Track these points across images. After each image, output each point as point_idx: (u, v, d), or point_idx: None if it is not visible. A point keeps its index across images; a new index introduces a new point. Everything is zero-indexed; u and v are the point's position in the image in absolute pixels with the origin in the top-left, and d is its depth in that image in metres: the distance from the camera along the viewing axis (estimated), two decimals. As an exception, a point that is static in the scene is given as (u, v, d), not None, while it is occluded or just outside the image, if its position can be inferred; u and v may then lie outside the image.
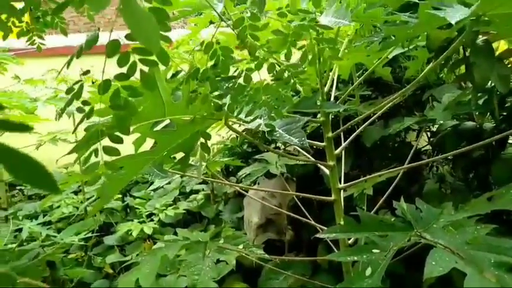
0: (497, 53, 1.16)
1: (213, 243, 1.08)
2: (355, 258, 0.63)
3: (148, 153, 0.71)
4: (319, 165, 1.32)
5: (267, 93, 0.65)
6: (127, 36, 0.38)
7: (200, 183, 3.17)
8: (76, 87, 0.49)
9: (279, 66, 0.71)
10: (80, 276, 2.19)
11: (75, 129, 0.62)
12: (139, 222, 2.56)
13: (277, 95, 0.65)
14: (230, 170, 2.76)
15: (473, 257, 0.54)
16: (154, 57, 0.41)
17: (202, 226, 2.85)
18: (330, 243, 1.46)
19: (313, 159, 1.37)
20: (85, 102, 0.49)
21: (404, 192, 1.49)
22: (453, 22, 0.52)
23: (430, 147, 2.17)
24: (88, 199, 2.95)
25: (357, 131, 1.31)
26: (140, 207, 2.73)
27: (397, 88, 2.05)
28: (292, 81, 0.67)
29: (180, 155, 0.85)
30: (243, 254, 2.18)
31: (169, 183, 3.18)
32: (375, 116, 1.36)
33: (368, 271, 0.60)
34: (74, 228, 2.45)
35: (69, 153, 0.62)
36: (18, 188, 3.65)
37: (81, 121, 0.52)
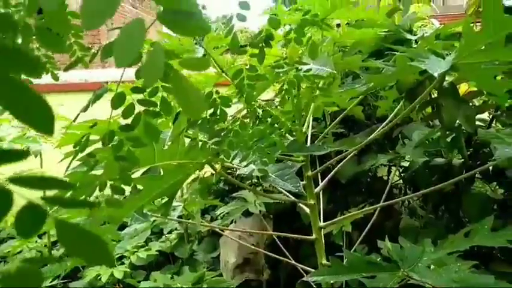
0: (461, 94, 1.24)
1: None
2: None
3: (133, 199, 0.69)
4: (300, 205, 1.33)
5: (260, 139, 0.66)
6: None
7: (176, 223, 3.08)
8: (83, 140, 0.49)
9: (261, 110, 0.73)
10: (43, 328, 2.03)
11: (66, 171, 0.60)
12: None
13: (270, 141, 0.67)
14: (205, 207, 2.71)
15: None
16: (157, 108, 0.41)
17: (176, 268, 2.74)
18: (311, 282, 1.44)
19: (293, 197, 1.38)
20: (90, 155, 0.48)
21: (380, 227, 1.51)
22: (435, 74, 0.57)
23: (402, 182, 2.24)
24: (54, 243, 2.79)
25: (336, 168, 1.34)
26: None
27: (367, 125, 2.14)
28: (285, 126, 0.69)
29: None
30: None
31: (141, 223, 3.07)
32: (353, 153, 1.40)
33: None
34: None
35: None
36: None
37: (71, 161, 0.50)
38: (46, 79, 0.68)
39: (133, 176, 0.74)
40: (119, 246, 2.72)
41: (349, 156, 1.38)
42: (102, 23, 0.25)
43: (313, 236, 1.22)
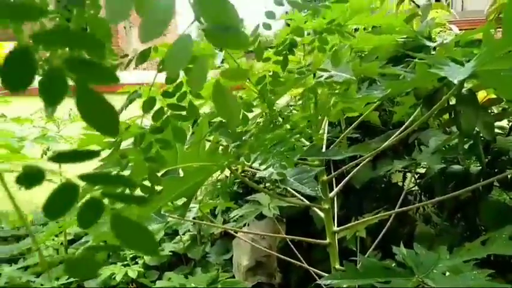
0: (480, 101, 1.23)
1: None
2: (361, 306, 0.64)
3: (154, 199, 0.71)
4: (314, 208, 1.33)
5: (279, 143, 0.67)
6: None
7: (190, 224, 3.11)
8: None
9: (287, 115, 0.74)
10: (59, 324, 2.07)
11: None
12: (123, 265, 2.47)
13: (289, 145, 0.68)
14: (215, 210, 2.73)
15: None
16: (184, 112, 0.43)
17: (189, 269, 2.76)
18: (324, 286, 1.44)
19: (307, 201, 1.38)
20: (122, 155, 0.50)
21: (395, 233, 1.50)
22: (455, 82, 0.57)
23: (417, 188, 2.22)
24: (70, 241, 2.84)
25: (351, 174, 1.34)
26: (124, 250, 2.64)
27: (383, 131, 2.13)
28: (304, 131, 0.70)
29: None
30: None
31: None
32: (368, 158, 1.40)
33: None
34: (54, 273, 2.34)
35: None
36: (-5, 228, 3.50)
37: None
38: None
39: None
40: (133, 246, 2.76)
41: (364, 162, 1.38)
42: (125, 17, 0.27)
43: (327, 241, 1.22)
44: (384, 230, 1.39)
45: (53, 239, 2.90)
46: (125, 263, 2.52)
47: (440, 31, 1.51)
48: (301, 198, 1.46)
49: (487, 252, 0.82)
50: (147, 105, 0.41)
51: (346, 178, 1.31)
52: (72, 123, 2.62)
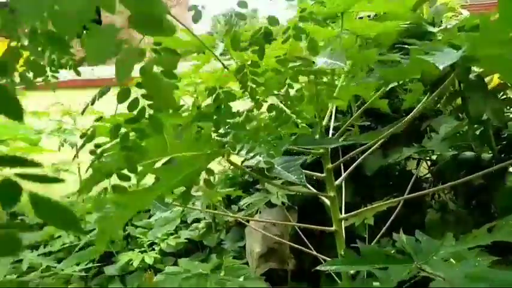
0: (491, 86, 1.20)
1: (214, 276, 1.08)
2: (358, 291, 0.65)
3: (150, 188, 0.73)
4: (321, 197, 1.34)
5: (266, 132, 0.68)
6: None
7: (202, 212, 3.17)
8: (89, 132, 0.53)
9: (277, 105, 0.75)
10: (80, 308, 2.16)
11: (75, 156, 0.65)
12: (140, 251, 2.55)
13: (276, 134, 0.69)
14: (231, 198, 2.76)
15: (472, 291, 0.55)
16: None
17: (204, 255, 2.82)
18: (332, 273, 1.45)
19: (314, 190, 1.39)
20: (97, 145, 0.52)
21: (406, 221, 1.50)
22: (441, 67, 0.56)
23: (431, 176, 2.19)
24: (90, 230, 2.94)
25: (357, 161, 1.33)
26: (141, 237, 2.72)
27: (395, 118, 2.10)
28: (291, 120, 0.71)
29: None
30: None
31: (170, 212, 3.18)
32: (375, 146, 1.39)
33: (370, 305, 0.61)
34: (74, 259, 2.43)
35: (78, 192, 0.65)
36: (20, 218, 3.64)
37: (81, 148, 0.55)
38: (83, 76, 0.74)
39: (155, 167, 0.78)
40: (150, 234, 2.84)
41: (372, 149, 1.38)
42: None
43: (333, 228, 1.23)
44: (393, 217, 1.39)
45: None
46: (142, 249, 2.59)
47: (453, 16, 1.47)
48: (309, 186, 1.47)
49: (492, 239, 0.81)
50: (122, 96, 0.43)
51: (353, 166, 1.31)
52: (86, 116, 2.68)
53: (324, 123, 1.29)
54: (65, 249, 2.83)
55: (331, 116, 1.38)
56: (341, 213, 1.30)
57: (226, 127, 0.65)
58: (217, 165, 2.90)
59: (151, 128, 0.45)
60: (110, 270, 2.52)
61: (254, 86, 0.64)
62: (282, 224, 2.08)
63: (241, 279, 1.15)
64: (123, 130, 0.52)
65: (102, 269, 2.59)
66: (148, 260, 2.37)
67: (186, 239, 2.79)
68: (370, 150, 1.36)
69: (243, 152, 0.72)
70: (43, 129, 2.19)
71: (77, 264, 2.28)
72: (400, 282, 0.65)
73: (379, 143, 1.39)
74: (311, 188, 1.46)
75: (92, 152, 0.52)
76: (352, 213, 1.24)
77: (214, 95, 0.60)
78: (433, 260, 0.70)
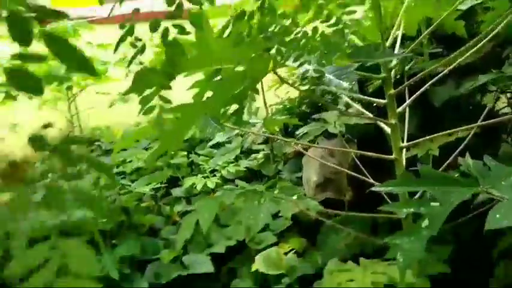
0: None
1: (269, 193, 1.13)
2: (413, 210, 0.63)
3: (204, 102, 0.74)
4: (381, 125, 1.29)
5: (316, 39, 0.64)
6: None
7: (260, 143, 3.25)
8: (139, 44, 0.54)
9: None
10: (151, 222, 2.41)
11: (130, 63, 0.67)
12: (203, 177, 2.72)
13: (327, 41, 0.64)
14: (289, 130, 2.78)
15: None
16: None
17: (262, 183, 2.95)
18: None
19: (373, 117, 1.34)
20: (136, 38, 0.54)
21: (476, 154, 1.40)
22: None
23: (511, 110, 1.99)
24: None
25: (422, 89, 1.24)
26: (204, 164, 2.88)
27: (472, 47, 1.89)
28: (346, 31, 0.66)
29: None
30: (302, 211, 2.23)
31: (230, 142, 3.30)
32: (442, 73, 1.27)
33: (425, 223, 0.60)
34: (145, 180, 2.67)
35: (125, 93, 0.68)
36: (96, 143, 4.02)
37: (133, 58, 0.57)
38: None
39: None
40: (212, 161, 3.00)
41: (438, 76, 1.26)
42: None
43: (393, 156, 1.19)
44: (461, 148, 1.31)
45: (143, 153, 3.25)
46: (205, 175, 2.76)
47: None
48: (368, 114, 1.42)
49: None
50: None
51: (418, 93, 1.23)
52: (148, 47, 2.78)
53: (387, 45, 1.20)
54: (136, 172, 3.12)
55: (395, 41, 1.27)
56: (402, 143, 1.25)
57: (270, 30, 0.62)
58: (273, 97, 2.89)
59: (192, 21, 0.45)
60: (176, 192, 2.74)
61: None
62: (340, 155, 2.07)
63: (294, 197, 1.18)
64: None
65: (169, 191, 2.83)
66: (210, 185, 2.53)
67: (245, 167, 2.92)
68: (438, 77, 1.25)
69: (290, 62, 0.69)
70: (109, 60, 2.32)
71: (147, 185, 2.50)
72: (461, 206, 0.63)
73: (446, 70, 1.28)
74: (369, 114, 1.41)
75: (132, 45, 0.54)
76: (414, 141, 1.18)
77: None
78: (501, 185, 0.65)
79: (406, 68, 1.69)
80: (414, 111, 1.96)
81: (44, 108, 3.51)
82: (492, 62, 1.79)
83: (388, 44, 1.18)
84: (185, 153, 3.36)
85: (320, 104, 2.37)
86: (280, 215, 2.33)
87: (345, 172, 1.92)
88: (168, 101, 0.58)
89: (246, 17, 0.61)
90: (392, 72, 1.24)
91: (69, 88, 3.22)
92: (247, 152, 3.38)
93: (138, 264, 2.13)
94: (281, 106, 2.49)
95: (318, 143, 2.14)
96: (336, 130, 1.64)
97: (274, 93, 3.01)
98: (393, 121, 1.19)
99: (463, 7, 1.65)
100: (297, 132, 1.81)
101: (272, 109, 2.65)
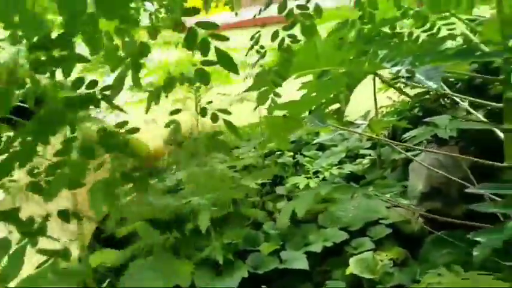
0: None
1: (362, 189, 1.15)
2: (499, 210, 0.61)
3: (309, 100, 0.82)
4: (495, 130, 1.19)
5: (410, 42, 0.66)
6: None
7: (367, 148, 3.18)
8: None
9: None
10: (255, 216, 2.59)
11: (254, 66, 0.79)
12: (306, 177, 2.80)
13: (420, 44, 0.66)
14: (398, 135, 2.67)
15: None
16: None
17: (366, 190, 2.88)
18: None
19: (485, 120, 1.24)
20: (261, 47, 0.65)
21: None
22: None
23: None
24: (266, 154, 3.38)
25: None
26: (308, 165, 2.96)
27: None
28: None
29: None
30: (404, 220, 2.14)
31: (336, 146, 3.31)
32: None
33: (510, 223, 0.57)
34: (253, 176, 2.87)
35: (246, 90, 0.81)
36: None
37: (257, 61, 0.68)
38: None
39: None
40: (316, 163, 3.05)
41: None
42: None
43: (505, 164, 1.10)
44: None
45: (254, 151, 3.48)
46: (308, 176, 2.84)
47: None
48: (482, 119, 1.31)
49: None
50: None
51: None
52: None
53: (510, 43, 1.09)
54: (246, 169, 3.36)
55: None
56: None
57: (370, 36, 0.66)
58: (385, 100, 2.81)
59: (304, 33, 0.53)
60: (280, 189, 2.87)
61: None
62: (452, 165, 1.93)
63: (388, 195, 1.17)
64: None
65: (274, 188, 2.98)
66: (312, 185, 2.59)
67: (349, 171, 2.89)
68: None
69: (386, 63, 0.72)
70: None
71: (255, 181, 2.69)
72: None
73: None
74: (483, 118, 1.30)
75: (257, 52, 0.65)
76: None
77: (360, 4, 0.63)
78: None
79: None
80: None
81: (176, 105, 4.03)
82: None
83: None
84: (291, 153, 3.50)
85: (435, 108, 2.24)
86: (380, 222, 2.28)
87: (456, 183, 1.79)
88: (279, 95, 0.69)
89: (348, 25, 0.68)
90: None
91: (198, 89, 3.64)
92: (352, 157, 3.34)
93: (240, 253, 2.31)
94: (392, 109, 2.42)
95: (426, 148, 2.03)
96: (446, 135, 1.55)
97: (387, 96, 2.92)
98: (509, 126, 1.09)
99: None
100: (404, 136, 1.76)
101: (383, 111, 2.59)
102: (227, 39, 1.03)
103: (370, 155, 3.16)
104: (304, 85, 0.85)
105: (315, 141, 3.11)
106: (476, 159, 1.19)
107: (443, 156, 1.93)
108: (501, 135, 1.12)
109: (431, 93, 2.03)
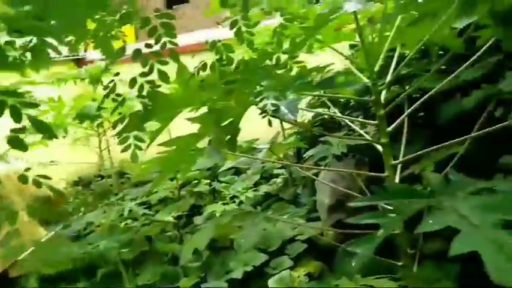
0: None
1: (262, 214, 1.19)
2: (373, 221, 0.68)
3: (195, 134, 0.84)
4: (375, 145, 1.34)
5: (270, 79, 0.72)
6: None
7: (279, 168, 3.32)
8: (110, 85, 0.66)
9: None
10: (173, 250, 2.50)
11: (113, 111, 0.78)
12: (223, 203, 2.80)
13: (280, 80, 0.73)
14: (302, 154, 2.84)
15: (476, 217, 0.54)
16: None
17: (281, 208, 2.98)
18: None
19: (368, 137, 1.38)
20: (118, 94, 0.65)
21: (473, 166, 1.40)
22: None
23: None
24: (182, 185, 3.32)
25: (412, 107, 1.29)
26: (224, 190, 2.97)
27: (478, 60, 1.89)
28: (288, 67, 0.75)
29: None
30: (319, 234, 2.24)
31: (248, 169, 3.40)
32: (434, 90, 1.31)
33: (379, 232, 0.64)
34: (168, 209, 2.80)
35: (116, 134, 0.80)
36: (126, 176, 4.22)
37: (113, 110, 0.68)
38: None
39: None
40: (232, 188, 3.08)
41: (431, 92, 1.30)
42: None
43: (385, 174, 1.23)
44: (458, 159, 1.33)
45: (170, 183, 3.38)
46: (225, 201, 2.85)
47: None
48: (365, 135, 1.46)
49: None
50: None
51: (408, 110, 1.27)
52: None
53: (375, 69, 1.26)
54: (162, 203, 3.25)
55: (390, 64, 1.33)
56: (399, 159, 1.28)
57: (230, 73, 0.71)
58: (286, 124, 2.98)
59: (160, 78, 0.55)
60: (198, 219, 2.83)
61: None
62: (350, 176, 2.10)
63: (285, 216, 1.23)
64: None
65: (191, 219, 2.93)
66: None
67: (264, 192, 2.98)
68: (428, 95, 1.29)
69: (253, 98, 0.77)
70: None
71: (170, 214, 2.62)
72: (418, 215, 0.66)
73: (437, 87, 1.31)
74: (366, 135, 1.45)
75: (113, 100, 0.65)
76: (404, 158, 1.22)
77: (215, 48, 0.67)
78: (455, 195, 0.69)
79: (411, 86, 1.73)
80: (422, 132, 1.97)
81: (78, 143, 3.78)
82: (496, 77, 1.80)
83: (377, 67, 1.24)
84: (208, 181, 3.49)
85: (331, 127, 2.43)
86: (296, 238, 2.37)
87: (355, 194, 1.95)
88: (141, 140, 0.69)
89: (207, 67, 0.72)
90: (383, 94, 1.29)
91: (100, 125, 3.45)
92: (267, 177, 3.45)
93: (159, 291, 2.20)
94: (292, 131, 2.57)
95: (329, 165, 2.18)
96: (338, 151, 1.69)
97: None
98: (384, 140, 1.23)
99: (459, 25, 1.68)
100: (304, 156, 1.87)
101: (286, 133, 2.73)
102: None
103: (283, 174, 3.31)
104: (194, 119, 0.87)
105: (222, 169, 3.14)
106: (360, 172, 1.31)
107: (346, 167, 2.09)
108: (380, 148, 1.26)
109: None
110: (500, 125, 1.20)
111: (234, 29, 0.77)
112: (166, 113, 0.77)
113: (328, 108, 2.01)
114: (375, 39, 1.28)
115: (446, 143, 1.21)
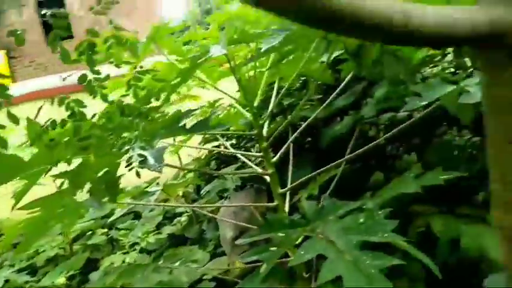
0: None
1: (153, 264, 1.14)
2: (256, 257, 0.70)
3: (62, 191, 0.77)
4: (263, 176, 1.40)
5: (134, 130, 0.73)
6: None
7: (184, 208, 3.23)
8: None
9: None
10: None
11: None
12: (123, 253, 2.60)
13: (145, 129, 0.73)
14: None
15: (341, 241, 0.60)
16: None
17: (188, 248, 2.88)
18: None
19: (260, 170, 1.44)
20: None
21: (351, 186, 1.54)
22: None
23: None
24: (74, 239, 3.00)
25: (294, 135, 1.39)
26: (123, 238, 2.77)
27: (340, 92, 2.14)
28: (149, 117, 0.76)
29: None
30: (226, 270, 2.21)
31: (151, 211, 3.23)
32: (310, 119, 1.44)
33: (262, 268, 0.66)
34: (59, 269, 2.49)
35: None
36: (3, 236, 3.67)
37: None
38: None
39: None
40: (132, 234, 2.89)
41: (308, 121, 1.42)
42: None
43: (275, 203, 1.29)
44: (337, 181, 1.45)
45: (58, 239, 3.03)
46: (125, 251, 2.65)
47: None
48: (256, 168, 1.53)
49: (393, 193, 0.87)
50: None
51: (289, 140, 1.36)
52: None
53: (255, 104, 1.33)
54: (51, 263, 2.88)
55: (263, 95, 1.42)
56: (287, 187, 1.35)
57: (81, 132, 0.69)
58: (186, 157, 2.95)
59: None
60: (94, 276, 2.57)
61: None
62: (252, 206, 2.14)
63: (177, 263, 1.20)
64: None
65: (87, 276, 2.64)
66: (130, 260, 2.42)
67: (167, 234, 2.85)
68: (305, 124, 1.41)
69: (117, 150, 0.76)
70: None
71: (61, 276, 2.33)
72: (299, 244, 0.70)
73: (312, 116, 1.45)
74: (256, 168, 1.51)
75: None
76: (290, 186, 1.29)
77: (65, 105, 0.65)
78: (327, 220, 0.75)
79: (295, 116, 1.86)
80: (308, 157, 2.13)
81: None
82: (361, 104, 2.05)
83: (256, 102, 1.32)
84: (105, 230, 3.21)
85: (228, 160, 2.47)
86: (204, 278, 2.30)
87: (259, 221, 1.99)
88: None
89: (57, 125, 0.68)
90: (265, 126, 1.37)
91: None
92: (170, 217, 3.32)
93: None
94: (194, 164, 2.55)
95: (229, 197, 2.20)
96: (233, 184, 1.73)
97: (187, 154, 3.08)
98: (270, 171, 1.29)
99: (325, 59, 1.90)
100: (201, 192, 1.86)
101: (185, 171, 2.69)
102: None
103: (186, 211, 3.21)
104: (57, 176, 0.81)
105: (111, 219, 2.94)
106: (256, 204, 1.35)
107: (244, 200, 2.13)
108: (268, 179, 1.32)
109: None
110: (371, 144, 1.37)
111: (85, 83, 0.75)
112: (21, 174, 0.70)
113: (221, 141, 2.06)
114: (251, 76, 1.36)
115: (327, 167, 1.33)
